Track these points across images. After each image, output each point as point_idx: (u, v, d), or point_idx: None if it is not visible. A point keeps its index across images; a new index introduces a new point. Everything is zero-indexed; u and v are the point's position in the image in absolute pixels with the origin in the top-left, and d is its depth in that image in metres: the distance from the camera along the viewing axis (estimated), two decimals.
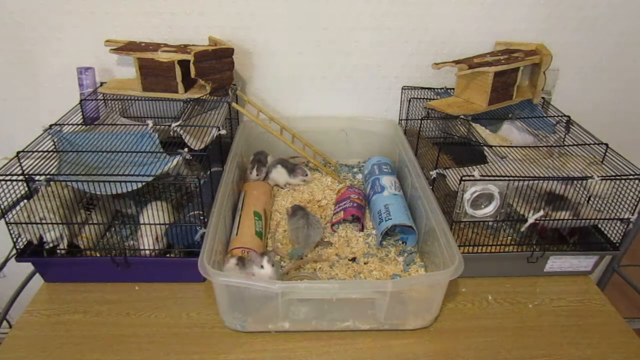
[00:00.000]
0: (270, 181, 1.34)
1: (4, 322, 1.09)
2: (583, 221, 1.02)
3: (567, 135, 1.22)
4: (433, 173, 1.10)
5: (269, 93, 1.46)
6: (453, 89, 1.37)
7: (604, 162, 1.07)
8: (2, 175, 0.92)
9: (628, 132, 1.57)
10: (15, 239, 0.97)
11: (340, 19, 1.34)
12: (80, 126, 1.15)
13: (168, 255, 1.04)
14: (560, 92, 1.47)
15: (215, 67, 1.22)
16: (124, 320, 0.94)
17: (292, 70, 1.42)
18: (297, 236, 1.09)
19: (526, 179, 0.98)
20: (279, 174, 1.34)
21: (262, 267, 0.90)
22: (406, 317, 0.91)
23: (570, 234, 1.08)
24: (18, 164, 0.95)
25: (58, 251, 1.00)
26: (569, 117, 1.26)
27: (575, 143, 1.14)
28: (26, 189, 0.97)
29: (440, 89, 1.42)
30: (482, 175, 0.97)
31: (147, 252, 0.99)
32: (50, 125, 1.09)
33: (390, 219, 1.11)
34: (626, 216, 1.02)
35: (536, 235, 1.08)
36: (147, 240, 0.99)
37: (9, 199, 0.96)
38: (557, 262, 1.06)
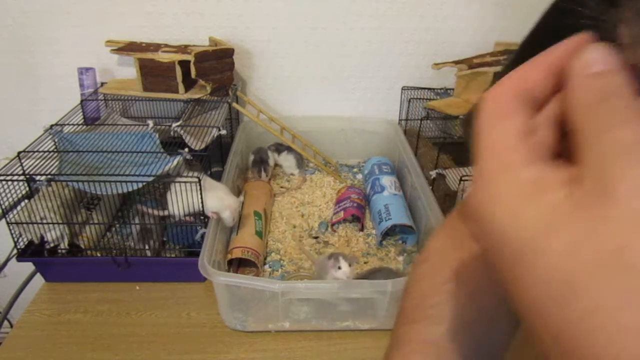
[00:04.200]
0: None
1: (5, 322, 1.09)
2: None
3: None
4: (433, 173, 1.10)
5: (269, 93, 1.46)
6: (453, 89, 1.37)
7: None
8: (3, 175, 0.93)
9: None
10: (16, 239, 0.98)
11: (340, 19, 1.34)
12: (81, 126, 1.15)
13: (168, 254, 1.04)
14: None
15: (216, 68, 1.22)
16: (125, 320, 0.94)
17: (292, 71, 1.42)
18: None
19: None
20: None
21: (339, 268, 0.86)
22: None
23: None
24: (19, 164, 0.95)
25: (59, 251, 1.00)
26: None
27: None
28: (27, 189, 0.97)
29: (440, 89, 1.42)
30: None
31: (148, 252, 0.99)
32: (51, 126, 1.09)
33: (390, 219, 1.11)
34: None
35: None
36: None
37: (10, 199, 0.96)
38: None
